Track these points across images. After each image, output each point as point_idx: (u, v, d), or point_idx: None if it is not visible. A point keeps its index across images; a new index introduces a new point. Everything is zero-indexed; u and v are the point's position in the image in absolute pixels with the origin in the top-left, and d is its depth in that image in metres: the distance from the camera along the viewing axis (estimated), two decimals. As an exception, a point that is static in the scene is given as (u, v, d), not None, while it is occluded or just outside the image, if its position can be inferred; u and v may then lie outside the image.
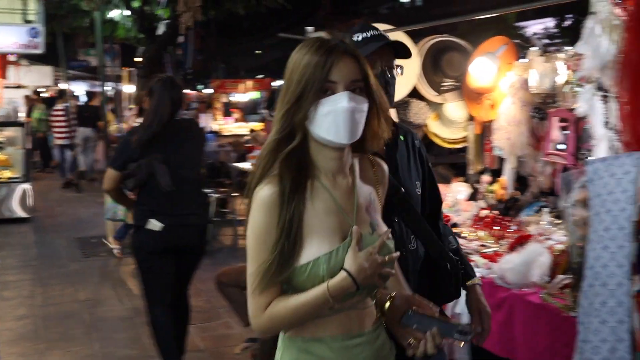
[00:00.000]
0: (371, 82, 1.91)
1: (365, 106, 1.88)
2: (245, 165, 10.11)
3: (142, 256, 4.49)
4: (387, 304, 1.97)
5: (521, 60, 5.08)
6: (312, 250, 1.84)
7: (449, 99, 5.58)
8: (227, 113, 18.86)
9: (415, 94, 5.55)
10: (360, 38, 2.47)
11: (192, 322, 4.94)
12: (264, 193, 1.85)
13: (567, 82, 4.43)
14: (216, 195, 9.17)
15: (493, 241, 4.45)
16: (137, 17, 13.15)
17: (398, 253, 1.88)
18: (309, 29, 6.76)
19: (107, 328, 6.03)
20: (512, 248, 4.11)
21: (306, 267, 1.83)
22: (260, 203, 1.85)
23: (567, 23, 17.32)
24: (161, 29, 13.24)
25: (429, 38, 5.73)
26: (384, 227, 1.99)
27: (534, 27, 18.80)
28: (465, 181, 5.49)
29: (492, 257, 4.08)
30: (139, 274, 4.58)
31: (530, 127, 4.77)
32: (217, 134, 14.63)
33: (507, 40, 5.26)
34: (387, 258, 1.83)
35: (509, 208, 4.92)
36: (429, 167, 2.71)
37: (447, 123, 5.64)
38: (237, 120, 17.43)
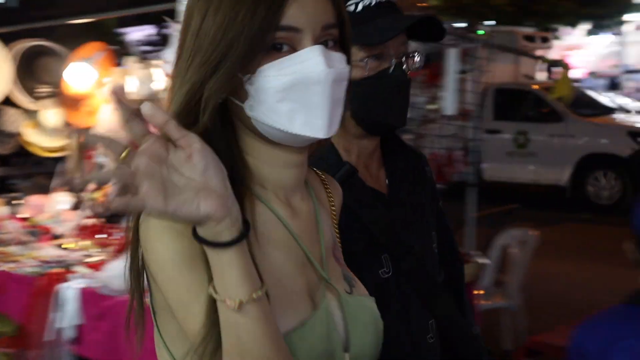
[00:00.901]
0: (347, 30, 1.12)
1: (347, 71, 1.08)
2: None
3: None
4: None
5: (121, 67, 5.10)
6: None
7: (46, 105, 5.41)
8: None
9: (8, 101, 5.33)
10: (360, 7, 1.51)
11: None
12: (165, 223, 0.95)
13: (165, 88, 4.57)
14: None
15: (98, 250, 4.39)
16: None
17: None
18: None
19: None
20: (117, 255, 4.09)
21: None
22: (163, 238, 0.97)
23: (167, 31, 17.86)
24: None
25: (21, 42, 5.50)
26: (359, 283, 1.21)
27: (135, 33, 19.02)
28: (70, 190, 5.34)
29: (97, 266, 4.02)
30: None
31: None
32: None
33: (105, 46, 5.24)
34: None
35: (115, 215, 4.90)
36: (440, 208, 1.80)
37: (46, 131, 5.46)
38: None
